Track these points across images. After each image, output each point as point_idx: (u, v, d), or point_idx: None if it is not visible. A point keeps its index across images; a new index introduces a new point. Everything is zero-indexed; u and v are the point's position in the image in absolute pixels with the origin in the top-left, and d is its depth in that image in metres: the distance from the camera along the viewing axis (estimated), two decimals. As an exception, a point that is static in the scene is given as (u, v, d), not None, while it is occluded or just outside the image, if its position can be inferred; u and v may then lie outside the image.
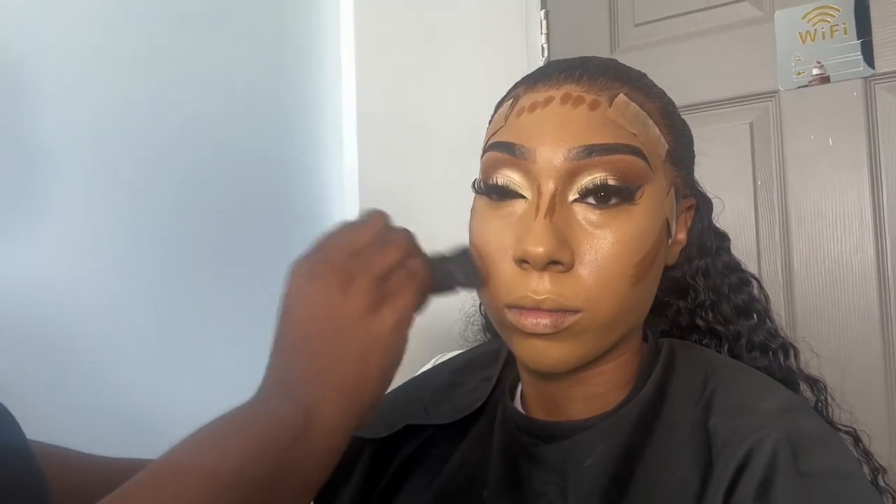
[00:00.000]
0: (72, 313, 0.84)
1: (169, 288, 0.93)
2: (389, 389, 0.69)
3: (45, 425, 0.61)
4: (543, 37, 1.53)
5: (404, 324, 0.46)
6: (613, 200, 0.50)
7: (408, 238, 0.50)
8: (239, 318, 0.99)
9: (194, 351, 0.95)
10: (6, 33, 0.80)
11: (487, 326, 0.73)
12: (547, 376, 0.55)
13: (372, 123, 1.16)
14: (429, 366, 0.77)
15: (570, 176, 0.50)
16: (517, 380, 0.62)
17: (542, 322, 0.49)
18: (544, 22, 1.53)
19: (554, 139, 0.50)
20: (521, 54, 1.51)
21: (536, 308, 0.49)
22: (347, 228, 0.50)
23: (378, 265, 0.46)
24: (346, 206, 1.15)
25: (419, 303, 0.49)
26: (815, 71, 1.23)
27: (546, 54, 1.52)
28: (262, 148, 1.06)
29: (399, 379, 0.72)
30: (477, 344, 0.73)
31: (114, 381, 0.86)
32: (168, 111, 0.95)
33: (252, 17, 1.07)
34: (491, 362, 0.66)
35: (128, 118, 0.90)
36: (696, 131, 0.60)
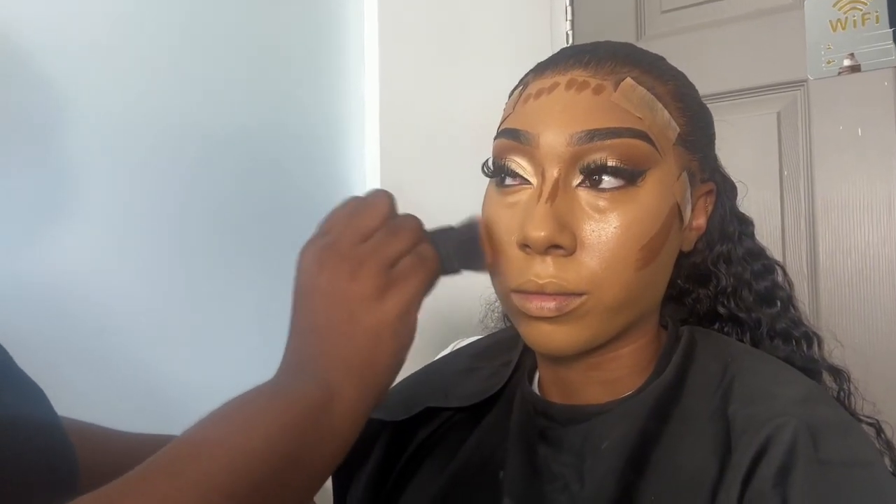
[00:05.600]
0: (101, 299, 0.86)
1: (196, 274, 0.95)
2: (406, 373, 0.70)
3: (75, 402, 0.62)
4: (568, 23, 1.52)
5: (412, 309, 0.47)
6: (616, 183, 0.50)
7: (416, 224, 0.50)
8: (262, 302, 1.00)
9: (218, 333, 0.96)
10: (38, 40, 0.82)
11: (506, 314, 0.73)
12: (558, 360, 0.55)
13: (395, 113, 1.17)
14: (447, 351, 0.78)
15: (573, 161, 0.50)
16: (535, 365, 0.62)
17: (546, 305, 0.49)
18: (569, 9, 1.52)
19: (557, 124, 0.50)
20: (545, 42, 1.50)
21: (540, 292, 0.49)
22: (353, 210, 0.50)
23: (387, 252, 0.47)
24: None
25: (428, 287, 0.49)
26: (846, 61, 1.21)
27: (571, 42, 1.51)
28: (285, 140, 1.07)
29: (418, 363, 0.73)
30: (497, 330, 0.74)
31: (142, 360, 0.88)
32: (193, 106, 0.96)
33: (275, 9, 1.08)
34: (510, 347, 0.66)
35: (154, 118, 0.92)
36: (722, 120, 0.60)
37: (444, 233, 0.52)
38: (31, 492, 0.48)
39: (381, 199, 0.50)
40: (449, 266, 0.52)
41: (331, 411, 0.42)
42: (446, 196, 1.18)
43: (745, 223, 0.63)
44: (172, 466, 0.37)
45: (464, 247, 0.52)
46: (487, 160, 0.56)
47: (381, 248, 0.47)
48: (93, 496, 0.35)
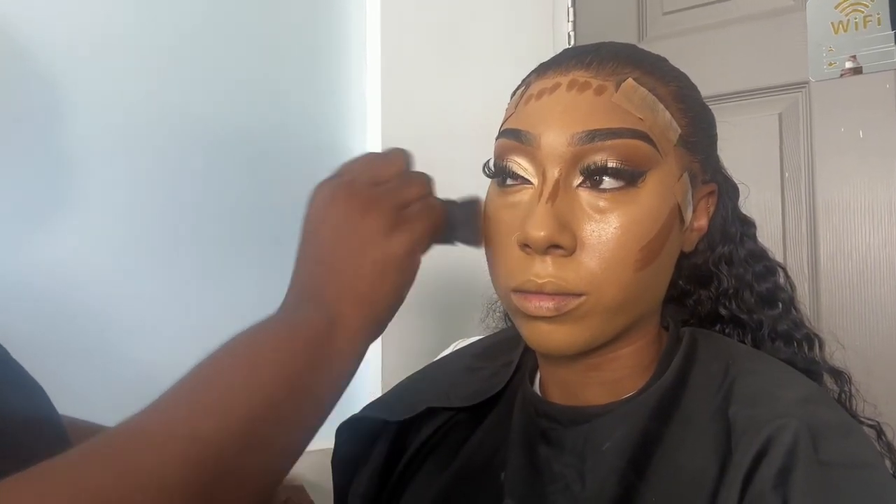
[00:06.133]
0: (101, 297, 0.86)
1: (197, 271, 0.95)
2: (407, 373, 0.70)
3: (74, 400, 0.62)
4: (570, 25, 1.52)
5: (418, 249, 0.49)
6: (616, 184, 0.50)
7: (428, 179, 0.52)
8: (263, 300, 1.00)
9: (219, 330, 0.96)
10: (40, 37, 0.82)
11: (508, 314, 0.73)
12: (558, 360, 0.55)
13: (397, 112, 1.17)
14: (448, 351, 0.78)
15: (574, 161, 0.50)
16: (536, 365, 0.62)
17: (545, 305, 0.49)
18: (571, 10, 1.52)
19: (558, 125, 0.51)
20: (547, 43, 1.50)
21: (539, 291, 0.50)
22: (371, 159, 0.52)
23: (399, 195, 0.49)
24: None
25: (432, 237, 0.51)
26: (848, 63, 1.20)
27: (573, 42, 1.51)
28: (286, 138, 1.07)
29: (419, 364, 0.73)
30: (498, 330, 0.74)
31: (142, 358, 0.88)
32: (194, 103, 0.96)
33: (277, 8, 1.08)
34: (511, 348, 0.66)
35: (155, 115, 0.92)
36: (724, 121, 0.60)
37: (447, 203, 0.54)
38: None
39: (398, 154, 0.52)
40: (447, 235, 0.53)
41: (334, 339, 0.44)
42: (448, 194, 1.18)
43: (747, 224, 0.63)
44: (192, 395, 0.39)
45: (463, 220, 0.54)
46: (488, 161, 0.56)
47: (394, 192, 0.49)
48: (117, 427, 0.37)
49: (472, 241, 0.55)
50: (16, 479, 0.33)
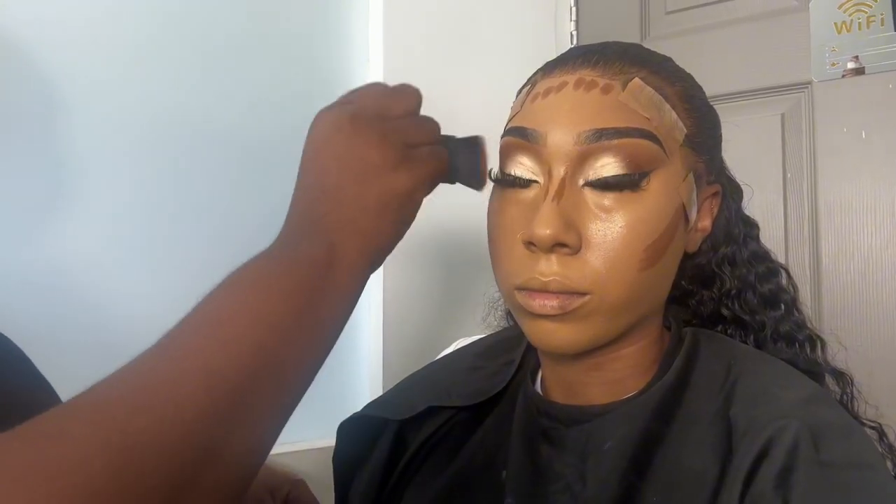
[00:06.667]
0: (102, 293, 0.86)
1: (197, 268, 0.95)
2: (409, 372, 0.70)
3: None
4: (573, 24, 1.52)
5: (421, 190, 0.48)
6: (622, 184, 0.50)
7: (437, 126, 0.51)
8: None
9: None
10: (37, 34, 0.82)
11: (510, 312, 0.73)
12: (561, 359, 0.55)
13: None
14: (449, 350, 0.78)
15: (580, 160, 0.50)
16: (538, 364, 0.62)
17: (549, 304, 0.49)
18: (574, 9, 1.52)
19: (564, 123, 0.51)
20: (550, 42, 1.49)
21: (543, 290, 0.50)
22: (381, 91, 0.50)
23: (409, 135, 0.48)
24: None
25: (435, 180, 0.50)
26: (850, 63, 1.20)
27: (575, 41, 1.51)
28: (288, 136, 1.06)
29: (420, 362, 0.73)
30: (499, 329, 0.74)
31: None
32: (195, 101, 0.96)
33: (279, 6, 1.07)
34: (513, 347, 0.66)
35: (156, 111, 0.92)
36: (726, 121, 0.60)
37: (449, 140, 0.52)
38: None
39: (412, 93, 0.51)
40: (450, 175, 0.52)
41: (334, 269, 0.43)
42: (450, 193, 1.18)
43: (751, 226, 0.63)
44: (201, 329, 0.38)
45: (465, 160, 0.52)
46: (491, 169, 0.55)
47: (404, 130, 0.48)
48: (128, 365, 0.37)
49: (472, 183, 0.53)
50: (39, 419, 0.33)
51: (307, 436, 1.01)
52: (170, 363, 0.36)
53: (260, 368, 0.38)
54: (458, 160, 0.52)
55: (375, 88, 0.51)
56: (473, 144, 0.53)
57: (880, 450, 0.56)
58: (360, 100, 0.49)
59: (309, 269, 0.42)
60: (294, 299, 0.41)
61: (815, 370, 0.59)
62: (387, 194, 0.45)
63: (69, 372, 0.70)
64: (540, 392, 0.60)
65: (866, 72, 1.19)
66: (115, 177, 0.88)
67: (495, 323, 0.76)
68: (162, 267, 0.92)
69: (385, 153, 0.46)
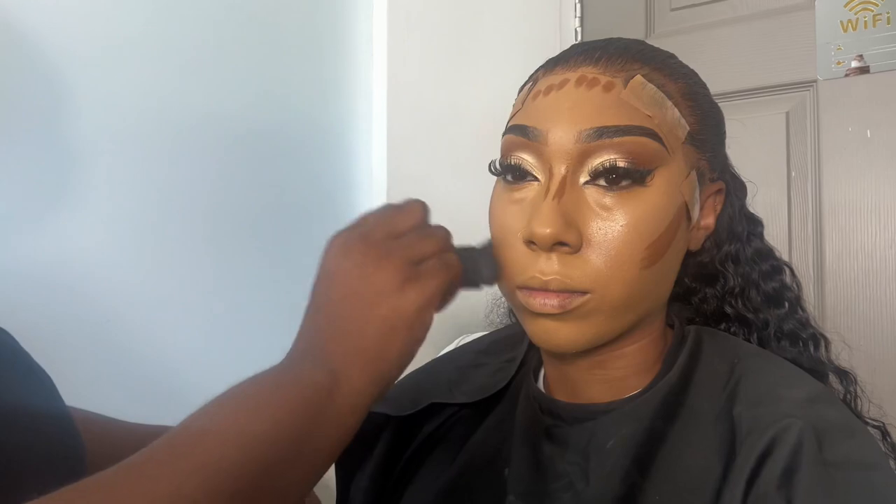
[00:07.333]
0: (108, 289, 0.86)
1: (202, 265, 0.95)
2: (411, 369, 0.70)
3: (83, 392, 0.63)
4: (577, 20, 1.51)
5: (430, 307, 0.47)
6: (624, 182, 0.50)
7: (446, 234, 0.50)
8: (269, 296, 1.00)
9: (225, 323, 0.97)
10: (43, 29, 0.82)
11: (512, 310, 0.73)
12: (563, 357, 0.55)
13: (402, 109, 1.16)
14: (452, 346, 0.78)
15: (581, 158, 0.50)
16: (541, 362, 0.62)
17: (550, 303, 0.49)
18: (578, 5, 1.51)
19: (566, 121, 0.50)
20: (554, 38, 1.49)
21: (544, 289, 0.49)
22: (389, 211, 0.50)
23: (414, 250, 0.47)
24: (374, 192, 1.16)
25: (447, 293, 0.49)
26: (854, 62, 1.20)
27: (579, 38, 1.51)
28: (292, 133, 1.07)
29: (423, 359, 0.73)
30: (502, 326, 0.74)
31: (149, 350, 0.89)
32: (200, 98, 0.96)
33: (284, 3, 1.07)
34: (515, 344, 0.66)
35: (162, 108, 0.92)
36: (730, 119, 0.59)
37: (468, 250, 0.53)
38: (38, 480, 0.48)
39: (417, 207, 0.50)
40: (473, 279, 0.52)
41: (336, 397, 0.42)
42: (453, 190, 1.18)
43: (755, 223, 0.62)
44: (177, 449, 0.38)
45: (485, 264, 0.53)
46: (493, 161, 0.56)
47: (409, 246, 0.47)
48: (95, 479, 0.36)
49: (493, 280, 0.54)
50: None
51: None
52: (139, 485, 0.36)
53: (236, 494, 0.37)
54: (480, 265, 0.52)
55: (384, 209, 0.51)
56: (490, 249, 0.54)
57: (884, 449, 0.56)
58: (369, 221, 0.49)
59: (306, 398, 0.41)
60: (288, 426, 0.40)
61: (819, 369, 0.59)
62: (392, 317, 0.45)
63: (70, 366, 0.70)
64: (542, 390, 0.60)
65: (872, 70, 1.19)
66: (118, 173, 0.88)
67: (498, 320, 0.76)
68: (164, 262, 0.92)
69: (389, 273, 0.45)
